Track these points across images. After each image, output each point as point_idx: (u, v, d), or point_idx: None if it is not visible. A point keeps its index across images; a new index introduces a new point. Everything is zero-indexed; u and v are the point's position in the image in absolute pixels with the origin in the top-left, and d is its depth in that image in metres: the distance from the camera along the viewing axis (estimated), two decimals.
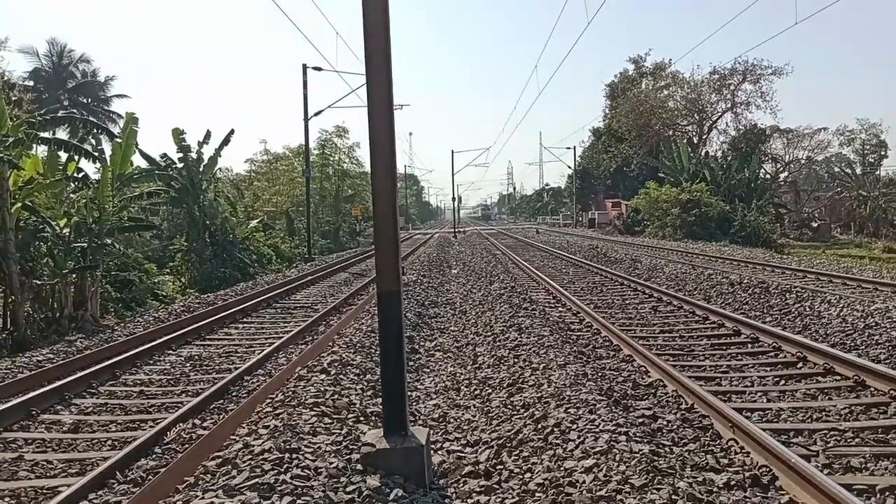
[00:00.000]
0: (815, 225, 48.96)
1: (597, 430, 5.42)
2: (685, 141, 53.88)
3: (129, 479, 5.48)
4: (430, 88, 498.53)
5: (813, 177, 60.40)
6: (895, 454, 5.38)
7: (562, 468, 4.86)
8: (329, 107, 34.56)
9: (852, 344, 9.31)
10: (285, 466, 4.79)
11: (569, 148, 74.52)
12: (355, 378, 7.73)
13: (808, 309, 12.04)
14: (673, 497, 4.27)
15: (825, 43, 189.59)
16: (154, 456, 6.00)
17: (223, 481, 4.59)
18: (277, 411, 6.18)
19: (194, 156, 24.34)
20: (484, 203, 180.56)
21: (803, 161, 57.72)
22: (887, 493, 4.71)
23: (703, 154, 52.30)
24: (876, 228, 45.74)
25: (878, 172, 54.98)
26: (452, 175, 60.43)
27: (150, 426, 6.75)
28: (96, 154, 16.69)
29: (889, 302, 12.18)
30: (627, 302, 14.29)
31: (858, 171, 53.85)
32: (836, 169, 57.24)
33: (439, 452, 5.70)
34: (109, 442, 6.46)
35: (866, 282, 15.47)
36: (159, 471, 5.39)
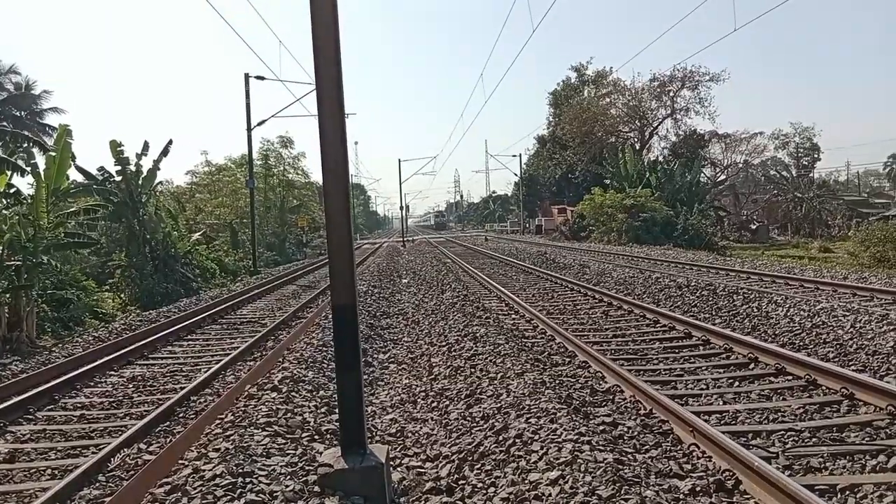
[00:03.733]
0: (753, 227, 50.29)
1: (559, 439, 5.32)
2: (628, 146, 54.86)
3: None
4: (376, 97, 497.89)
5: (750, 180, 62.21)
6: (852, 452, 5.42)
7: (526, 481, 4.75)
8: (273, 116, 34.10)
9: (801, 343, 9.46)
10: (239, 492, 4.58)
11: (514, 155, 75.45)
12: (308, 395, 7.50)
13: (755, 310, 12.24)
14: None
15: (760, 49, 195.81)
16: (98, 484, 5.68)
17: None
18: (228, 433, 5.92)
19: (133, 168, 23.66)
20: (438, 210, 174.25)
21: (741, 165, 59.53)
22: (848, 492, 4.73)
23: (647, 161, 53.31)
24: (811, 229, 47.28)
25: (811, 175, 57.03)
26: (400, 184, 60.20)
27: (93, 452, 6.42)
28: (28, 168, 16.04)
29: (833, 301, 12.47)
30: (578, 307, 14.33)
31: (793, 173, 55.66)
32: (773, 172, 59.07)
33: (399, 469, 5.53)
34: (49, 471, 6.10)
35: (808, 281, 15.85)
36: (104, 500, 5.10)
